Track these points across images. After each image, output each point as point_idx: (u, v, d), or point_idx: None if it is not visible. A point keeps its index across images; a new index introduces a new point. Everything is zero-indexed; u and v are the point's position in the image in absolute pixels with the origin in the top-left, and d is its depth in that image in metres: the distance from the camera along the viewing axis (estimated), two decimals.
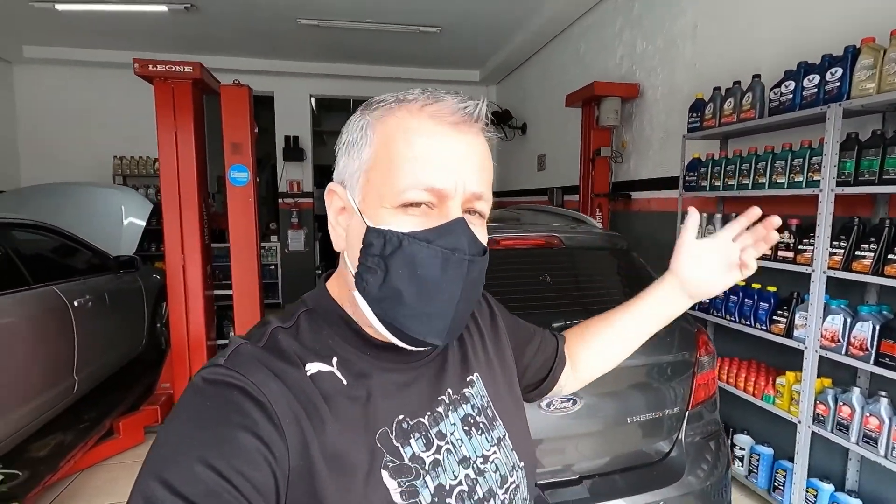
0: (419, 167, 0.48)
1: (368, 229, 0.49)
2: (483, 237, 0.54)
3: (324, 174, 8.92)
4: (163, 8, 4.44)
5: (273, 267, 6.49)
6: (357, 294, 0.51)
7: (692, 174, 2.74)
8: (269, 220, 6.84)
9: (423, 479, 0.52)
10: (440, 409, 0.57)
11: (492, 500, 0.56)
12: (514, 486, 0.60)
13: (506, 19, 4.90)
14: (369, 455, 0.50)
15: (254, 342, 0.51)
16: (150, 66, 2.86)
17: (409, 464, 0.52)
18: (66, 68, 5.97)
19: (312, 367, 0.50)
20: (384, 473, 0.50)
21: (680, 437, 1.63)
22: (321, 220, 7.80)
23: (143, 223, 4.40)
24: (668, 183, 3.26)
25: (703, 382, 1.69)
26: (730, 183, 2.45)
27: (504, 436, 0.62)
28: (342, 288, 0.56)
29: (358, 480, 0.48)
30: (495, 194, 6.47)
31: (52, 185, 4.53)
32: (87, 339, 2.85)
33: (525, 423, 0.69)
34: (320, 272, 3.43)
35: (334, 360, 0.52)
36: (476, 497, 0.55)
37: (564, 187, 4.99)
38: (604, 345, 0.81)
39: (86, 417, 2.92)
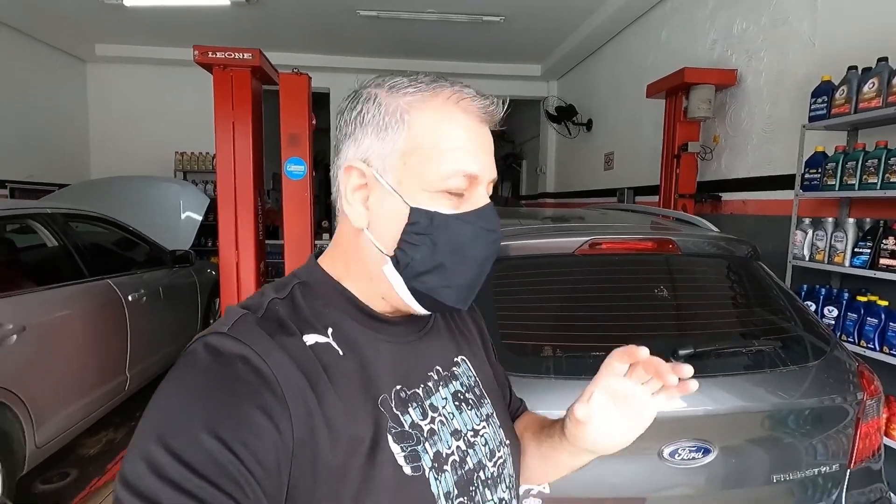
0: (460, 156, 0.52)
1: (413, 210, 0.52)
2: None
3: None
4: (225, 2, 4.41)
5: None
6: (390, 269, 0.53)
7: (814, 171, 2.31)
8: (322, 218, 6.78)
9: (423, 445, 0.54)
10: (430, 384, 0.59)
11: (482, 471, 0.59)
12: (501, 460, 0.62)
13: (574, 7, 4.56)
14: (373, 421, 0.51)
15: (253, 312, 0.51)
16: (210, 52, 2.76)
17: (410, 430, 0.54)
18: (134, 66, 6.14)
19: (310, 338, 0.52)
20: (389, 437, 0.52)
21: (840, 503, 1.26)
22: None
23: (200, 218, 4.37)
24: (776, 182, 2.83)
25: (867, 432, 1.31)
26: (870, 181, 2.02)
27: (492, 413, 0.64)
28: (347, 264, 0.57)
29: (364, 446, 0.49)
30: (554, 195, 6.12)
31: (115, 178, 4.60)
32: (140, 335, 2.77)
33: (507, 408, 0.74)
34: None
35: (329, 331, 0.53)
36: (467, 467, 0.57)
37: (636, 188, 4.58)
38: (532, 460, 0.73)
39: (137, 415, 2.84)
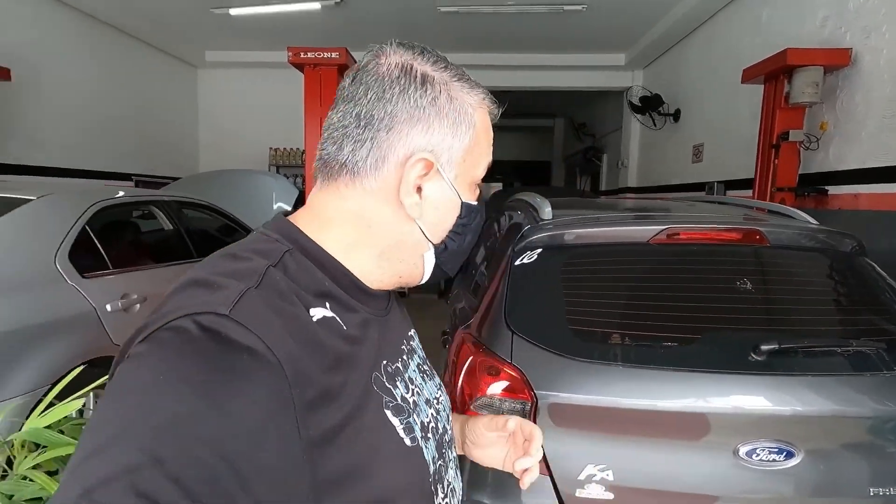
0: (490, 151, 0.59)
1: (464, 204, 0.56)
2: None
3: None
4: (316, 5, 4.70)
5: None
6: (429, 255, 0.56)
7: None
8: None
9: (413, 416, 0.56)
10: (405, 357, 0.61)
11: (445, 434, 0.64)
12: (451, 423, 0.69)
13: None
14: (372, 396, 0.51)
15: (249, 282, 0.44)
16: (301, 53, 2.97)
17: (401, 403, 0.55)
18: (237, 69, 6.72)
19: (317, 313, 0.48)
20: (387, 412, 0.52)
21: None
22: None
23: (290, 208, 4.72)
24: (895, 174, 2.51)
25: None
26: None
27: (441, 383, 0.69)
28: (358, 241, 0.55)
29: (367, 423, 0.49)
30: (636, 190, 5.85)
31: (218, 172, 5.09)
32: None
33: None
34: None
35: (328, 304, 0.51)
36: (438, 432, 0.61)
37: (728, 181, 4.26)
38: None
39: None
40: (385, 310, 0.60)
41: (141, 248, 2.68)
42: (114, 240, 2.49)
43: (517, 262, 1.46)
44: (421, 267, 0.57)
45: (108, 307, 2.05)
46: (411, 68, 0.53)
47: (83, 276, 1.99)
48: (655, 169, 5.88)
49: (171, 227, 2.81)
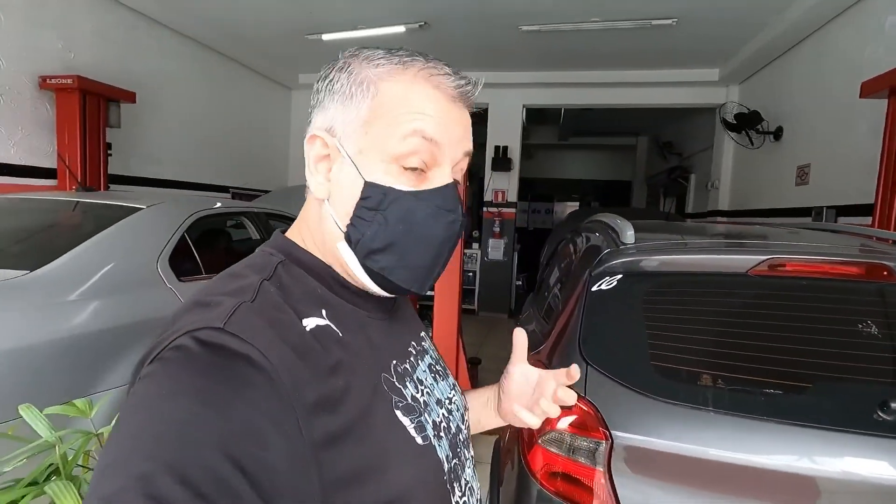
0: (420, 118, 0.50)
1: (367, 184, 0.51)
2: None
3: (527, 186, 8.79)
4: (401, 28, 4.89)
5: (471, 274, 6.61)
6: (342, 245, 0.52)
7: None
8: (473, 228, 7.02)
9: (424, 415, 0.55)
10: (412, 359, 0.60)
11: (460, 434, 0.63)
12: (468, 423, 0.68)
13: (762, 3, 4.00)
14: (380, 398, 0.51)
15: (244, 297, 0.46)
16: None
17: (412, 403, 0.55)
18: None
19: (310, 322, 0.49)
20: (398, 412, 0.52)
21: None
22: (522, 231, 7.71)
23: None
24: None
25: None
26: None
27: (455, 382, 0.68)
28: (313, 238, 0.56)
29: (378, 421, 0.49)
30: (728, 213, 5.42)
31: (302, 185, 5.38)
32: None
33: None
34: (520, 283, 3.24)
35: (323, 311, 0.51)
36: (452, 431, 0.60)
37: (839, 206, 3.81)
38: None
39: None
40: (389, 311, 0.60)
41: (231, 255, 2.88)
42: (208, 247, 2.70)
43: (594, 288, 1.37)
44: (344, 262, 0.54)
45: None
46: (331, 63, 0.57)
47: (180, 280, 2.16)
48: (752, 191, 5.40)
49: (259, 237, 3.00)
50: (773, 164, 4.93)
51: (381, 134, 0.51)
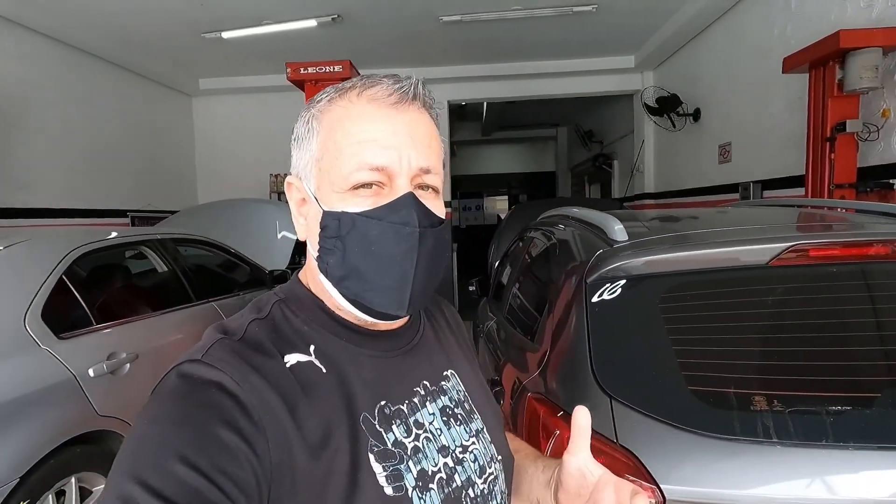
0: (362, 149, 0.51)
1: (324, 213, 0.52)
2: (438, 209, 0.55)
3: (455, 183, 8.66)
4: (312, 22, 4.47)
5: None
6: (322, 277, 0.54)
7: None
8: None
9: (407, 463, 0.53)
10: (416, 400, 0.57)
11: (471, 488, 0.57)
12: (492, 476, 0.60)
13: None
14: (353, 440, 0.50)
15: (231, 336, 0.50)
16: (302, 69, 2.72)
17: (393, 449, 0.52)
18: (233, 96, 6.51)
19: (291, 359, 0.51)
20: (370, 457, 0.50)
21: None
22: (462, 231, 7.56)
23: (296, 237, 4.42)
24: None
25: None
26: None
27: (482, 429, 0.62)
28: (315, 277, 0.57)
29: (344, 466, 0.48)
30: (655, 195, 5.56)
31: (217, 203, 4.81)
32: None
33: (500, 420, 0.69)
34: (472, 287, 3.02)
35: (311, 348, 0.53)
36: (454, 485, 0.55)
37: (764, 181, 3.96)
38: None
39: None
40: (400, 350, 0.59)
41: (132, 295, 2.38)
42: (99, 290, 2.19)
43: (595, 299, 1.15)
44: (328, 293, 0.55)
45: (91, 371, 1.73)
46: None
47: (59, 338, 1.68)
48: (676, 173, 5.58)
49: (166, 269, 2.51)
50: (695, 145, 5.10)
51: (329, 168, 0.52)
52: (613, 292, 1.14)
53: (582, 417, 0.55)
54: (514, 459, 0.69)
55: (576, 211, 1.78)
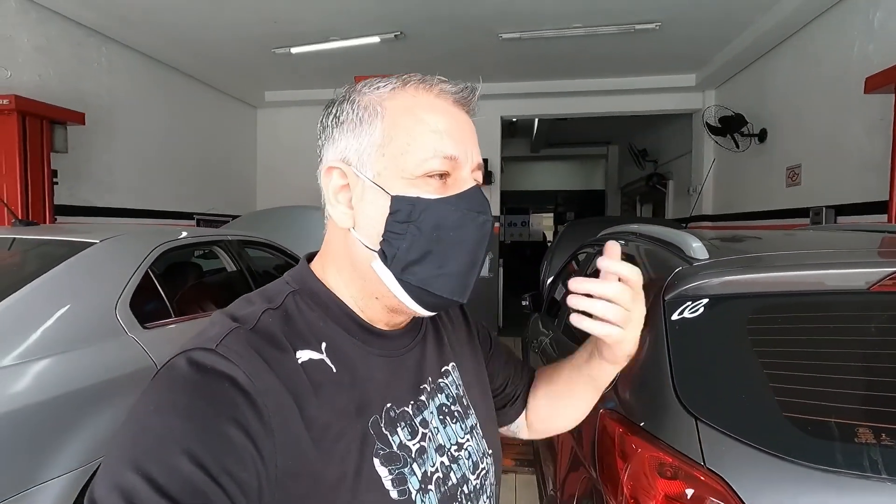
0: (438, 138, 0.52)
1: (395, 197, 0.51)
2: None
3: (502, 199, 8.71)
4: (375, 39, 4.64)
5: None
6: (378, 265, 0.52)
7: None
8: None
9: (411, 466, 0.53)
10: (422, 398, 0.58)
11: (465, 485, 0.57)
12: (484, 471, 0.62)
13: (745, 4, 3.96)
14: (361, 443, 0.49)
15: (244, 325, 0.49)
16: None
17: (398, 451, 0.52)
18: (296, 108, 6.82)
19: (303, 355, 0.50)
20: (376, 461, 0.50)
21: None
22: (507, 247, 7.52)
23: None
24: None
25: None
26: None
27: (476, 424, 0.63)
28: (339, 269, 0.56)
29: (350, 469, 0.48)
30: (713, 218, 5.36)
31: (277, 209, 5.02)
32: None
33: (493, 413, 0.71)
34: (525, 303, 2.99)
35: (323, 345, 0.52)
36: (450, 483, 0.56)
37: (838, 206, 3.74)
38: (566, 404, 0.77)
39: None
40: (404, 348, 0.59)
41: (205, 291, 2.51)
42: (177, 284, 2.33)
43: (675, 317, 1.12)
44: (380, 281, 0.53)
45: None
46: (331, 101, 0.57)
47: (144, 327, 1.79)
48: (738, 195, 5.36)
49: (235, 268, 2.64)
50: (760, 167, 4.89)
51: (398, 155, 0.51)
52: (695, 311, 1.11)
53: (613, 250, 0.57)
54: (550, 380, 0.78)
55: (646, 228, 1.75)
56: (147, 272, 1.92)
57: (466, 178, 0.54)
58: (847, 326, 1.01)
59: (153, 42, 4.71)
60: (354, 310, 0.55)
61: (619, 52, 5.03)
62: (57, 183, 3.70)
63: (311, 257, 0.61)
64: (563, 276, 2.91)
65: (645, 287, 1.24)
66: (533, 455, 2.81)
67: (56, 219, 3.62)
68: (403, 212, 0.51)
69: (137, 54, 4.80)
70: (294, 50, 4.87)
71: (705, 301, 1.11)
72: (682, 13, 4.16)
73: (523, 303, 3.04)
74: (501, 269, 6.89)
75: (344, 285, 0.56)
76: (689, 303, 1.12)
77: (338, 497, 0.46)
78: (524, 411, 0.81)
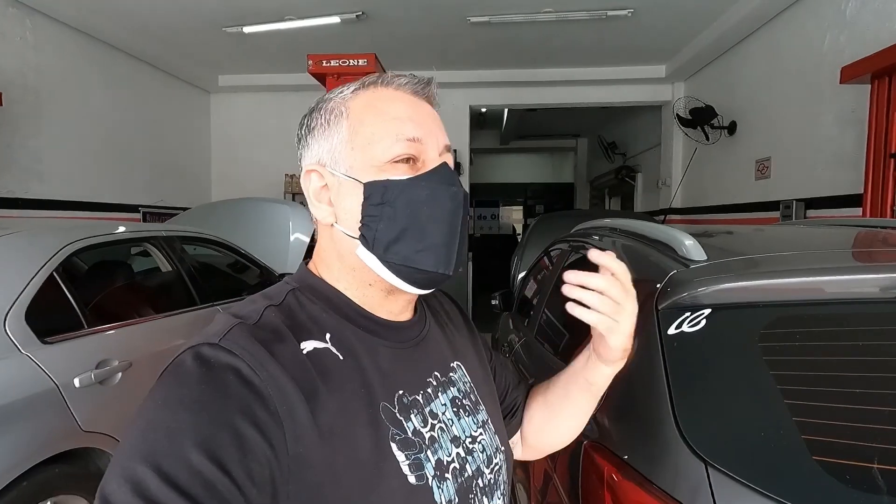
0: (399, 124, 0.54)
1: (367, 184, 0.53)
2: None
3: (470, 192, 8.47)
4: (335, 19, 4.33)
5: None
6: (362, 251, 0.54)
7: None
8: None
9: (426, 453, 0.53)
10: (429, 390, 0.58)
11: (479, 478, 0.58)
12: (497, 466, 0.62)
13: None
14: (374, 428, 0.50)
15: (248, 321, 0.50)
16: (324, 61, 2.56)
17: (413, 438, 0.53)
18: (251, 94, 6.41)
19: (308, 345, 0.50)
20: (393, 446, 0.50)
21: None
22: (477, 240, 7.36)
23: (308, 239, 4.25)
24: None
25: None
26: None
27: (487, 419, 0.65)
28: (330, 264, 0.58)
29: (366, 454, 0.48)
30: (681, 211, 5.31)
31: (229, 201, 4.67)
32: None
33: (500, 414, 0.72)
34: (495, 302, 2.81)
35: (328, 335, 0.53)
36: (466, 475, 0.56)
37: (808, 199, 3.71)
38: (561, 413, 0.77)
39: None
40: (411, 341, 0.60)
41: (131, 297, 2.21)
42: (99, 288, 2.02)
43: (672, 331, 0.94)
44: (367, 268, 0.55)
45: (77, 381, 1.55)
46: (304, 114, 0.62)
47: (43, 342, 1.50)
48: (706, 188, 5.33)
49: (170, 268, 2.34)
50: (729, 160, 4.86)
51: (365, 145, 0.54)
52: (696, 324, 0.93)
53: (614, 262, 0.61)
54: (547, 390, 0.78)
55: (625, 222, 1.57)
56: (52, 276, 1.62)
57: (434, 158, 0.56)
58: (891, 344, 0.84)
59: (89, 17, 4.26)
60: (355, 300, 0.57)
61: (590, 40, 4.88)
62: None
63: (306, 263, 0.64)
64: (535, 272, 2.73)
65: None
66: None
67: None
68: (376, 195, 0.53)
69: (71, 30, 4.34)
70: (246, 29, 4.51)
71: (707, 312, 0.93)
72: (654, 1, 4.03)
73: (493, 302, 2.85)
74: (471, 264, 6.71)
75: (338, 280, 0.58)
76: (688, 314, 0.94)
77: (356, 483, 0.46)
78: (520, 427, 0.81)
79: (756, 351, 0.86)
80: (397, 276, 0.54)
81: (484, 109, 7.45)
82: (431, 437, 0.55)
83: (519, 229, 12.36)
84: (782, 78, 4.03)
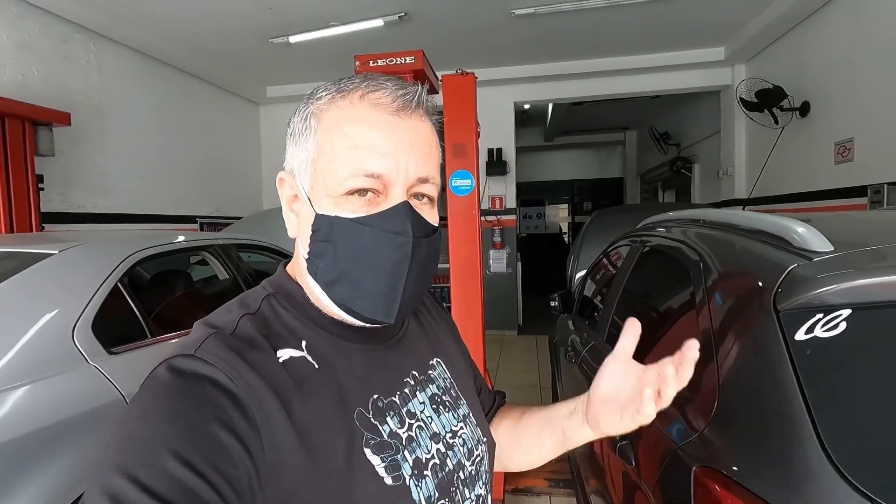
0: (360, 155, 0.50)
1: (317, 216, 0.52)
2: (433, 219, 0.55)
3: (521, 191, 8.31)
4: (378, 22, 4.32)
5: None
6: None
7: None
8: None
9: (403, 453, 0.53)
10: (407, 390, 0.58)
11: (461, 471, 0.59)
12: (479, 458, 0.63)
13: None
14: (349, 435, 0.50)
15: (222, 330, 0.50)
16: (371, 61, 2.51)
17: (389, 440, 0.53)
18: (299, 103, 6.53)
19: (284, 354, 0.50)
20: (367, 451, 0.51)
21: None
22: (523, 240, 7.15)
23: None
24: None
25: None
26: None
27: (468, 413, 0.65)
28: (303, 273, 0.57)
29: (340, 461, 0.48)
30: (748, 202, 4.95)
31: (279, 209, 4.74)
32: None
33: (480, 406, 0.72)
34: (554, 303, 2.67)
35: (303, 343, 0.53)
36: (447, 469, 0.57)
37: None
38: (525, 446, 0.76)
39: None
40: (388, 342, 0.59)
41: (193, 302, 2.23)
42: (160, 297, 2.05)
43: (802, 336, 0.79)
44: (316, 296, 0.55)
45: None
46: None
47: (109, 352, 1.51)
48: (776, 175, 4.93)
49: (227, 276, 2.35)
50: (803, 143, 4.46)
51: (324, 171, 0.52)
52: (832, 328, 0.77)
53: (632, 324, 0.59)
54: (520, 417, 0.76)
55: (715, 213, 1.41)
56: (117, 286, 1.64)
57: (398, 195, 0.51)
58: None
59: (144, 37, 4.44)
60: (326, 309, 0.56)
61: (642, 25, 4.63)
62: (43, 189, 3.46)
63: (286, 263, 0.62)
64: (596, 272, 2.57)
65: (744, 292, 0.89)
66: (571, 474, 2.49)
67: (43, 227, 3.39)
68: (323, 231, 0.52)
69: (128, 50, 4.55)
70: (292, 38, 4.57)
71: (847, 313, 0.77)
72: None
73: (552, 303, 2.71)
74: (520, 264, 6.55)
75: (309, 287, 0.56)
76: (820, 316, 0.79)
77: (332, 488, 0.47)
78: None
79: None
80: (340, 309, 0.53)
81: (527, 106, 7.28)
82: (409, 436, 0.55)
83: (565, 228, 12.03)
84: (868, 48, 3.65)
